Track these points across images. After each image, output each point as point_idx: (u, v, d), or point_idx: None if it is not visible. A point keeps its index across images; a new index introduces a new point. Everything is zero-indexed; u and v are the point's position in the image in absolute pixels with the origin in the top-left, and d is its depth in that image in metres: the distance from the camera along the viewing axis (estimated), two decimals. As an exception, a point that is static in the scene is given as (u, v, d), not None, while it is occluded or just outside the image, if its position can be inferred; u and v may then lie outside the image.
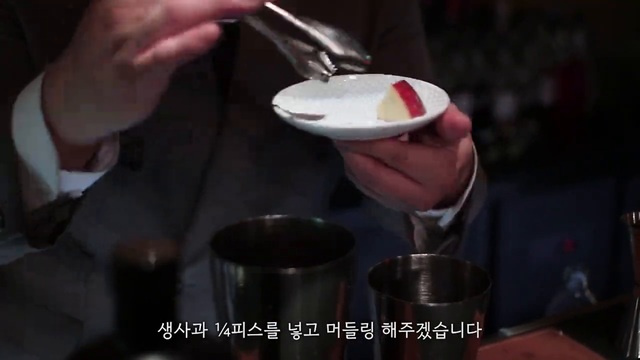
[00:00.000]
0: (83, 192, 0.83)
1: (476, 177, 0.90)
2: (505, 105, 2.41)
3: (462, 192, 0.89)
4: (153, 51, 0.66)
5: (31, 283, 1.01)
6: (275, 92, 0.83)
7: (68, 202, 0.83)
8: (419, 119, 0.77)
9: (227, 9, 0.68)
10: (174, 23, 0.66)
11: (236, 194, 0.96)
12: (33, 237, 0.82)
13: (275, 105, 0.80)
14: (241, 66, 0.93)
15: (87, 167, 0.81)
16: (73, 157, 0.78)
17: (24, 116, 0.77)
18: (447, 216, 0.91)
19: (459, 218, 0.92)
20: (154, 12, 0.66)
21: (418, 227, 0.94)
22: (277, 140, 0.96)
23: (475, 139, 0.90)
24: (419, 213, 0.91)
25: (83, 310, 0.99)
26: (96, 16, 0.69)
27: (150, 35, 0.66)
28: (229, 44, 0.92)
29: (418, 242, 0.95)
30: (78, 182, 0.81)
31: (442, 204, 0.89)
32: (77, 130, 0.75)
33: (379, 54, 1.00)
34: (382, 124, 0.79)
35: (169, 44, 0.66)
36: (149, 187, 0.92)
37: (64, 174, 0.79)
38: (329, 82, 0.82)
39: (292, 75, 0.94)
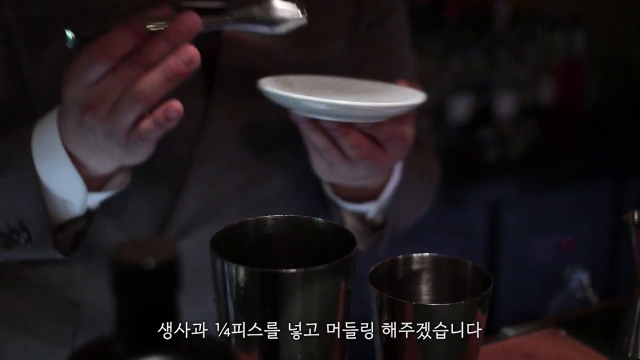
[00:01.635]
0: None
1: (411, 175, 1.01)
2: (504, 105, 2.41)
3: (383, 188, 0.99)
4: (137, 133, 0.80)
5: (28, 265, 1.01)
6: (261, 74, 0.89)
7: (87, 214, 0.92)
8: (419, 100, 0.87)
9: (177, 78, 0.79)
10: (142, 104, 0.79)
11: (222, 172, 0.97)
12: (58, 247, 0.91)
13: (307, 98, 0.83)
14: (227, 50, 0.94)
15: (103, 187, 0.91)
16: (93, 180, 0.89)
17: (46, 148, 0.87)
18: (371, 210, 1.01)
19: (385, 214, 1.01)
20: (124, 102, 0.78)
21: (349, 223, 1.02)
22: (262, 120, 0.97)
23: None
24: (349, 208, 1.01)
25: (79, 291, 0.99)
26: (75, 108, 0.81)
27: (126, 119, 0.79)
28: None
29: None
30: (97, 199, 0.92)
31: (366, 199, 1.00)
32: (92, 165, 0.87)
33: (361, 49, 1.00)
34: (406, 103, 0.86)
35: (145, 125, 0.81)
36: (135, 166, 0.92)
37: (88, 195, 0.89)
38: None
39: (277, 57, 0.96)
